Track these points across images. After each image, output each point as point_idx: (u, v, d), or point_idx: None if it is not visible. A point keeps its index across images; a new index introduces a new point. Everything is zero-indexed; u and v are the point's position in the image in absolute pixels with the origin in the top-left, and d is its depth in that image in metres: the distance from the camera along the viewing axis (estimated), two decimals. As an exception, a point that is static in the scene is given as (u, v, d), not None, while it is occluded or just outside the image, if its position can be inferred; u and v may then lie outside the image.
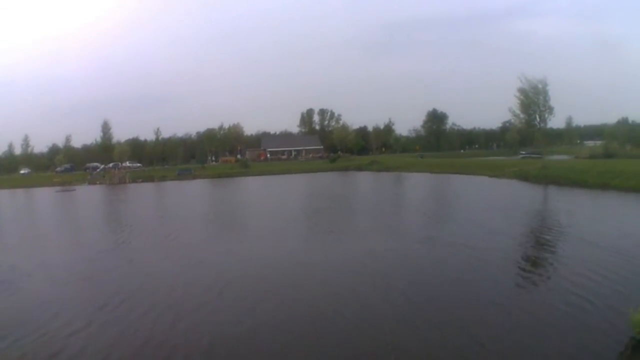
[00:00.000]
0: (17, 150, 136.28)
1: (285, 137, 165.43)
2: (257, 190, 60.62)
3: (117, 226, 32.55)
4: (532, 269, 16.10)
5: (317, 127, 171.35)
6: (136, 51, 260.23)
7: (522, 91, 73.94)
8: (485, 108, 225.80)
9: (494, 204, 34.11)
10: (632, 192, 34.17)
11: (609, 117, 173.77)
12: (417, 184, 55.83)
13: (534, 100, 73.45)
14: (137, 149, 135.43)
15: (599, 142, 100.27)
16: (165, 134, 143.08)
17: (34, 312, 13.70)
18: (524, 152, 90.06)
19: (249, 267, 18.16)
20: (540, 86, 72.55)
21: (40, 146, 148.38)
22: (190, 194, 58.15)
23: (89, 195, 64.68)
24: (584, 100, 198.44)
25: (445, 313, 12.25)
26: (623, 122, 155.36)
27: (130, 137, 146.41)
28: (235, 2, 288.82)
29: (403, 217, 30.66)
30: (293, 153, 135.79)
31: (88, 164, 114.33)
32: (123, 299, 14.56)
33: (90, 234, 28.71)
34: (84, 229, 31.92)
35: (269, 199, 48.61)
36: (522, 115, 77.12)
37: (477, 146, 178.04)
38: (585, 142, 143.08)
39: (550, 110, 73.36)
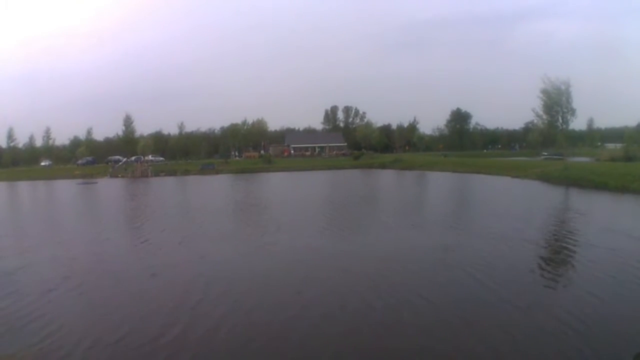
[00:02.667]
0: (39, 143, 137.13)
1: (309, 133, 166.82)
2: (285, 186, 61.57)
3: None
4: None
5: (342, 125, 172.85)
6: (159, 43, 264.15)
7: (545, 92, 73.70)
8: (508, 108, 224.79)
9: (522, 206, 34.89)
10: None
11: (630, 120, 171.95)
12: (442, 183, 56.76)
13: (556, 101, 73.13)
14: (160, 143, 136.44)
15: (619, 145, 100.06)
16: (189, 128, 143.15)
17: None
18: (546, 154, 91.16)
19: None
20: (563, 87, 72.32)
21: (62, 138, 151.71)
22: (219, 188, 59.78)
23: (110, 188, 65.93)
24: (605, 103, 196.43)
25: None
26: None
27: (153, 130, 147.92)
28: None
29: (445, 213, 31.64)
30: (317, 149, 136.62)
31: (110, 157, 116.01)
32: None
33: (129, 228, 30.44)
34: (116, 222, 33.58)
35: (299, 194, 49.52)
36: (544, 117, 76.92)
37: (499, 146, 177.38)
38: (606, 145, 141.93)
39: (573, 111, 73.16)
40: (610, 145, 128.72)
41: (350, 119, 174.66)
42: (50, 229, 30.89)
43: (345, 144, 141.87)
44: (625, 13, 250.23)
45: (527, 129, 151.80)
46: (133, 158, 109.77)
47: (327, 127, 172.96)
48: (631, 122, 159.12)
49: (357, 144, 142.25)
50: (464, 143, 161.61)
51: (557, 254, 19.55)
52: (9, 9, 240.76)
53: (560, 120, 73.72)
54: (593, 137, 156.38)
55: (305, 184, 61.82)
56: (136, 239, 25.40)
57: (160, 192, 57.35)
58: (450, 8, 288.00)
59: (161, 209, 38.71)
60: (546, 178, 51.44)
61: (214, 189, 58.60)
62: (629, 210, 31.19)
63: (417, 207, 36.34)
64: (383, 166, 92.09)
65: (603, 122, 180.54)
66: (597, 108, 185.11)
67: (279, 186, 60.99)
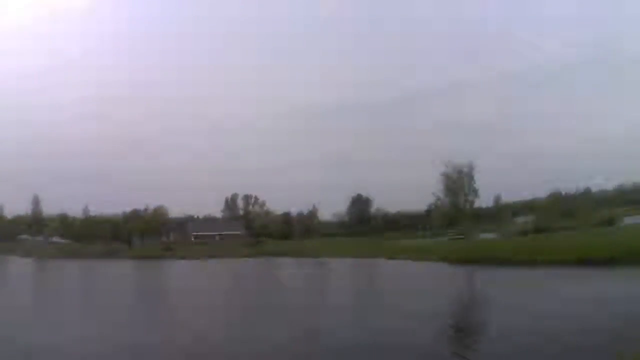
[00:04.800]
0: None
1: (210, 221, 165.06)
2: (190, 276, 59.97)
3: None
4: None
5: (241, 212, 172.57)
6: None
7: (446, 175, 75.04)
8: (410, 191, 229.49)
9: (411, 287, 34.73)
10: (557, 266, 35.07)
11: (541, 191, 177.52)
12: (348, 272, 55.04)
13: (458, 184, 74.27)
14: (66, 225, 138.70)
15: (530, 218, 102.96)
16: (93, 211, 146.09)
17: None
18: (449, 235, 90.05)
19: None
20: (465, 170, 74.12)
21: None
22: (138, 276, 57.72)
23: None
24: (515, 178, 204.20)
25: None
26: (555, 195, 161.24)
27: (59, 211, 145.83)
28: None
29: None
30: (217, 237, 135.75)
31: (18, 236, 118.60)
32: None
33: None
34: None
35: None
36: (447, 199, 77.76)
37: (403, 229, 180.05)
38: (517, 219, 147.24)
39: (476, 192, 75.14)
40: (521, 219, 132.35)
41: (250, 207, 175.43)
42: None
43: (246, 231, 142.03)
44: (528, 93, 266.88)
45: (430, 211, 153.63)
46: (40, 238, 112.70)
47: (227, 215, 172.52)
48: (541, 194, 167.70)
49: (256, 233, 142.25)
50: (365, 228, 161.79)
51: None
52: None
53: (463, 202, 75.43)
54: (502, 213, 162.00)
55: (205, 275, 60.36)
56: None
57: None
58: (347, 95, 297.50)
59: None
60: (447, 259, 50.79)
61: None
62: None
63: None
64: (282, 254, 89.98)
65: (513, 196, 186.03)
66: (506, 183, 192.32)
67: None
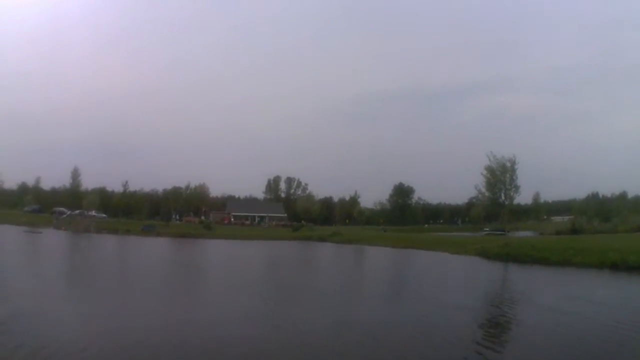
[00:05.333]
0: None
1: (251, 202, 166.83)
2: (225, 255, 59.16)
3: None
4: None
5: (283, 195, 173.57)
6: (110, 97, 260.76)
7: (489, 169, 73.88)
8: (452, 183, 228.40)
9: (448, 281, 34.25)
10: (591, 268, 34.42)
11: (579, 192, 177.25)
12: (378, 261, 54.50)
13: (500, 178, 72.98)
14: (104, 200, 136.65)
15: (566, 218, 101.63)
16: (133, 187, 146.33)
17: None
18: (487, 229, 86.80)
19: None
20: (508, 164, 72.84)
21: (9, 183, 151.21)
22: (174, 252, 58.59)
23: (61, 240, 65.29)
24: (554, 176, 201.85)
25: None
26: (592, 197, 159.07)
27: (98, 185, 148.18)
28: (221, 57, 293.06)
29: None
30: (257, 219, 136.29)
31: (55, 208, 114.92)
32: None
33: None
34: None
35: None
36: (487, 194, 76.81)
37: (441, 221, 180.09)
38: (553, 218, 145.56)
39: (517, 189, 73.42)
40: (558, 218, 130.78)
41: (292, 190, 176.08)
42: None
43: (285, 214, 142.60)
44: (573, 89, 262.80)
45: (471, 204, 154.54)
46: (77, 211, 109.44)
47: (268, 196, 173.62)
48: (580, 195, 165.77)
49: (297, 216, 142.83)
50: (405, 218, 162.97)
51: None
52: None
53: (503, 197, 74.44)
54: (539, 211, 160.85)
55: (241, 255, 60.83)
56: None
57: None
58: (395, 83, 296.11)
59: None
60: (485, 254, 50.01)
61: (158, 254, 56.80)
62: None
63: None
64: (322, 239, 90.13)
65: (551, 195, 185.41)
66: (545, 181, 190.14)
67: (219, 255, 59.63)
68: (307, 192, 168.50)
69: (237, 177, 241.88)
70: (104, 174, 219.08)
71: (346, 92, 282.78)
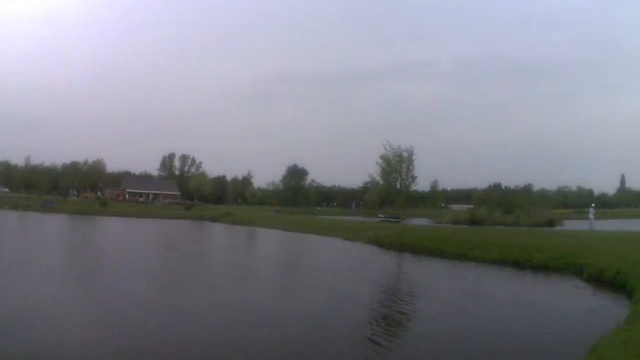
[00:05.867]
0: None
1: (145, 179, 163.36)
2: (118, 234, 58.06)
3: None
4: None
5: (177, 173, 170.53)
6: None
7: (384, 158, 73.02)
8: (348, 167, 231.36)
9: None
10: (493, 264, 32.79)
11: (482, 183, 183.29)
12: (270, 247, 52.42)
13: (396, 168, 72.31)
14: (7, 173, 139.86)
15: (466, 207, 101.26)
16: (37, 160, 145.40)
17: None
18: (381, 216, 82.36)
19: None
20: (405, 154, 72.25)
21: None
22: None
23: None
24: (455, 164, 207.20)
25: None
26: (494, 188, 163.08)
27: (2, 159, 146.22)
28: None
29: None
30: (151, 196, 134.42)
31: None
32: None
33: None
34: None
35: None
36: (381, 182, 76.16)
37: (335, 204, 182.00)
38: (452, 206, 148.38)
39: (414, 179, 73.26)
40: (457, 207, 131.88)
41: (187, 168, 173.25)
42: None
43: (179, 192, 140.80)
44: (480, 78, 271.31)
45: (365, 189, 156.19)
46: None
47: (162, 173, 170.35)
48: (482, 186, 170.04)
49: (190, 194, 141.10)
50: (298, 199, 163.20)
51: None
52: None
53: (399, 186, 73.86)
54: (436, 198, 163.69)
55: (129, 235, 58.28)
56: None
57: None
58: (297, 64, 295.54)
59: None
60: (379, 242, 48.04)
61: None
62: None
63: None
64: (213, 219, 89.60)
65: (451, 183, 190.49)
66: (445, 169, 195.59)
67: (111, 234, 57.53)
68: (201, 170, 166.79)
69: (134, 152, 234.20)
70: (8, 148, 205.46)
71: (247, 73, 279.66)
